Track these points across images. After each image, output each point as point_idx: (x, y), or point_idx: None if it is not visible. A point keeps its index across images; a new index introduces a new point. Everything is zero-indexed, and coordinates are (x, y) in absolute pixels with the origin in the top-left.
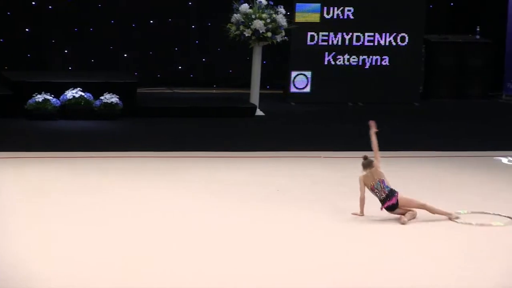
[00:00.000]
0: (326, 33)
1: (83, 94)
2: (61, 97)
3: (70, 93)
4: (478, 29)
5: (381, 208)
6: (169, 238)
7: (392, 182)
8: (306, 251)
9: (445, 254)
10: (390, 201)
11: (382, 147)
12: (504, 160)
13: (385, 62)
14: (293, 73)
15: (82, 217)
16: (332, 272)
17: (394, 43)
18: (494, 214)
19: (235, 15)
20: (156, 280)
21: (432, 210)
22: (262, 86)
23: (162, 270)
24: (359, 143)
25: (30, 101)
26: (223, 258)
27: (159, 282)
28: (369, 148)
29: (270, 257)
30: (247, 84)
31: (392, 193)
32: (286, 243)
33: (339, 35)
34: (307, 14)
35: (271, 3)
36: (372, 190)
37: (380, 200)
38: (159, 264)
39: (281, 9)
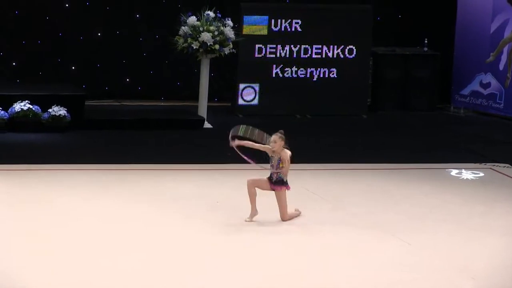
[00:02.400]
0: (274, 46)
1: (31, 106)
2: (9, 109)
3: (18, 106)
4: (426, 42)
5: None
6: (108, 250)
7: (340, 194)
8: (240, 260)
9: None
10: (272, 186)
11: (330, 159)
12: (452, 172)
13: (333, 74)
14: (241, 86)
15: (18, 229)
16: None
17: (341, 56)
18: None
19: (183, 27)
20: None
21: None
22: (210, 98)
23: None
24: (307, 155)
25: None
26: (160, 270)
27: None
28: (321, 161)
29: (205, 268)
30: (195, 97)
31: (280, 182)
32: (228, 254)
33: (287, 47)
34: (254, 26)
35: (219, 15)
36: (270, 158)
37: (271, 176)
38: (94, 276)
39: (229, 22)
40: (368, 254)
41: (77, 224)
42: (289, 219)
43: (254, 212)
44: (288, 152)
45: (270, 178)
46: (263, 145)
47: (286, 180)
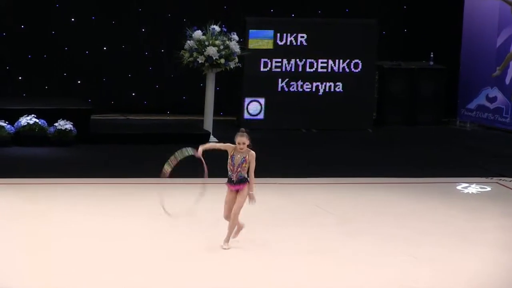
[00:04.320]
0: (280, 60)
1: (37, 120)
2: (15, 123)
3: (24, 120)
4: (432, 56)
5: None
6: (112, 266)
7: (346, 208)
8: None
9: None
10: (233, 187)
11: (335, 174)
12: (459, 186)
13: (338, 88)
14: (247, 100)
15: (25, 244)
16: None
17: (347, 70)
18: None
19: (188, 41)
20: None
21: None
22: (216, 112)
23: None
24: (312, 170)
25: None
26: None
27: None
28: (327, 175)
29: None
30: (201, 111)
31: (242, 181)
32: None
33: (293, 61)
34: (260, 40)
35: (225, 29)
36: (231, 157)
37: (230, 180)
38: None
39: (234, 36)
40: (374, 268)
41: (82, 239)
42: (235, 223)
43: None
44: (253, 152)
45: (230, 182)
46: (224, 145)
47: (245, 177)
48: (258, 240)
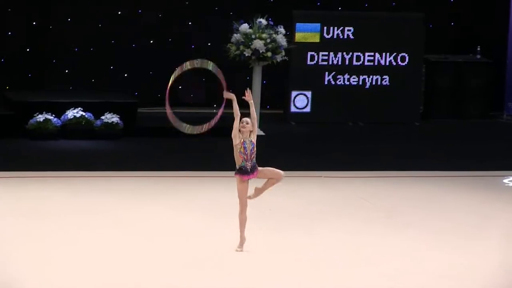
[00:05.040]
0: (326, 53)
1: (84, 114)
2: (62, 117)
3: (71, 113)
4: (478, 49)
5: (244, 177)
6: (162, 261)
7: (393, 202)
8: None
9: None
10: (249, 176)
11: (382, 167)
12: (505, 180)
13: (385, 81)
14: (293, 93)
15: (75, 237)
16: None
17: (394, 63)
18: None
19: (235, 35)
20: None
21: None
22: (262, 106)
23: None
24: (359, 163)
25: (31, 121)
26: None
27: None
28: (374, 168)
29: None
30: (247, 104)
31: (254, 168)
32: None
33: (339, 55)
34: (307, 34)
35: (271, 23)
36: (242, 144)
37: (244, 169)
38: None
39: (281, 29)
40: (421, 263)
41: (128, 232)
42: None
43: (243, 240)
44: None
45: (243, 173)
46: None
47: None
48: (303, 233)
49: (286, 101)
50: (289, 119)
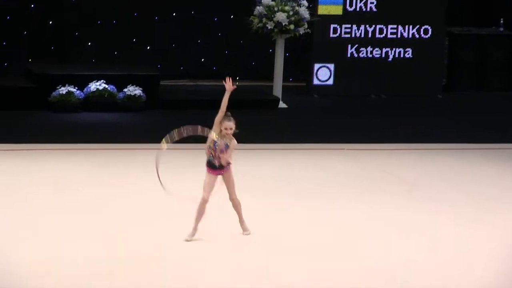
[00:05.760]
0: (349, 26)
1: (106, 86)
2: (85, 89)
3: (93, 86)
4: (502, 22)
5: (209, 170)
6: (183, 232)
7: (416, 175)
8: (317, 248)
9: None
10: (217, 172)
11: (405, 139)
12: None
13: (408, 54)
14: (316, 66)
15: (95, 209)
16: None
17: (417, 36)
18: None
19: (257, 7)
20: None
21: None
22: (285, 78)
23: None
24: (382, 136)
25: (54, 93)
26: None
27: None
28: (396, 141)
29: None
30: (270, 77)
31: (222, 166)
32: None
33: (362, 27)
34: (329, 6)
35: None
36: (214, 142)
37: (212, 164)
38: (170, 259)
39: (304, 2)
40: (443, 237)
41: (150, 205)
42: (239, 207)
43: (195, 231)
44: (236, 142)
45: (212, 167)
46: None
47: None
48: (325, 205)
49: (308, 73)
50: (312, 92)
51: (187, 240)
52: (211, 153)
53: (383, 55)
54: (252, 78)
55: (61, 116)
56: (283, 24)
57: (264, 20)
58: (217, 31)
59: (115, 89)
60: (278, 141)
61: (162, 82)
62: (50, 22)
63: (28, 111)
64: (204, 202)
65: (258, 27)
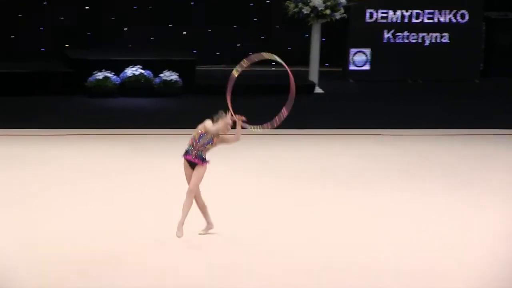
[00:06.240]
0: (385, 11)
1: (142, 71)
2: (121, 74)
3: (130, 71)
4: None
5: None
6: (223, 215)
7: (452, 160)
8: (356, 230)
9: None
10: (190, 157)
11: (442, 125)
12: None
13: (445, 39)
14: (352, 51)
15: (130, 195)
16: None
17: (454, 20)
18: None
19: None
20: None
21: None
22: (321, 63)
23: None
24: (418, 121)
25: (90, 78)
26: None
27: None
28: (433, 126)
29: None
30: (306, 62)
31: (200, 158)
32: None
33: (398, 12)
34: None
35: None
36: (199, 134)
37: (188, 152)
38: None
39: None
40: (479, 221)
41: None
42: (191, 202)
43: (210, 225)
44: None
45: (186, 153)
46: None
47: (205, 157)
48: (362, 191)
49: (345, 59)
50: (348, 77)
51: (178, 235)
52: (193, 143)
53: (420, 40)
54: (288, 63)
55: (97, 101)
56: (319, 9)
57: (300, 5)
58: (253, 16)
59: (151, 74)
60: (314, 127)
61: (198, 67)
62: (87, 7)
63: (64, 96)
64: (187, 196)
65: (294, 12)
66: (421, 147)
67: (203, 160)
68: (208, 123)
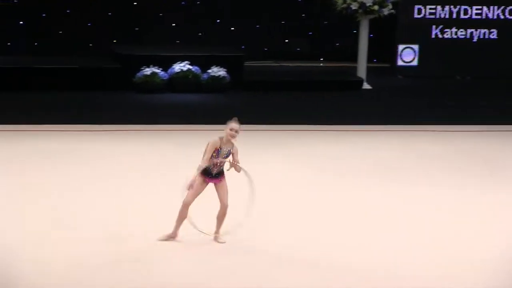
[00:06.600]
0: (434, 6)
1: (190, 67)
2: (169, 70)
3: (178, 67)
4: None
5: (207, 179)
6: (265, 211)
7: (497, 156)
8: (412, 226)
9: None
10: (217, 180)
11: (488, 121)
12: None
13: (493, 35)
14: (400, 47)
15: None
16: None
17: (502, 16)
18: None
19: None
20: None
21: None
22: (369, 59)
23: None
24: (467, 117)
25: (138, 74)
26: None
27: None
28: (480, 122)
29: (373, 230)
30: (354, 58)
31: (223, 174)
32: (390, 217)
33: (447, 8)
34: None
35: None
36: (217, 151)
37: (208, 171)
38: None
39: None
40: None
41: (239, 184)
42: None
43: (174, 234)
44: (237, 147)
45: (207, 175)
46: (209, 150)
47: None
48: (410, 187)
49: (393, 54)
50: (396, 73)
51: (161, 240)
52: (214, 162)
53: (468, 36)
54: (336, 59)
55: (145, 97)
56: (367, 4)
57: (348, 1)
58: (301, 12)
59: (199, 70)
60: (363, 123)
61: (246, 63)
62: (135, 3)
63: (112, 92)
64: (186, 206)
65: (342, 8)
66: (465, 143)
67: (223, 173)
68: (213, 139)
